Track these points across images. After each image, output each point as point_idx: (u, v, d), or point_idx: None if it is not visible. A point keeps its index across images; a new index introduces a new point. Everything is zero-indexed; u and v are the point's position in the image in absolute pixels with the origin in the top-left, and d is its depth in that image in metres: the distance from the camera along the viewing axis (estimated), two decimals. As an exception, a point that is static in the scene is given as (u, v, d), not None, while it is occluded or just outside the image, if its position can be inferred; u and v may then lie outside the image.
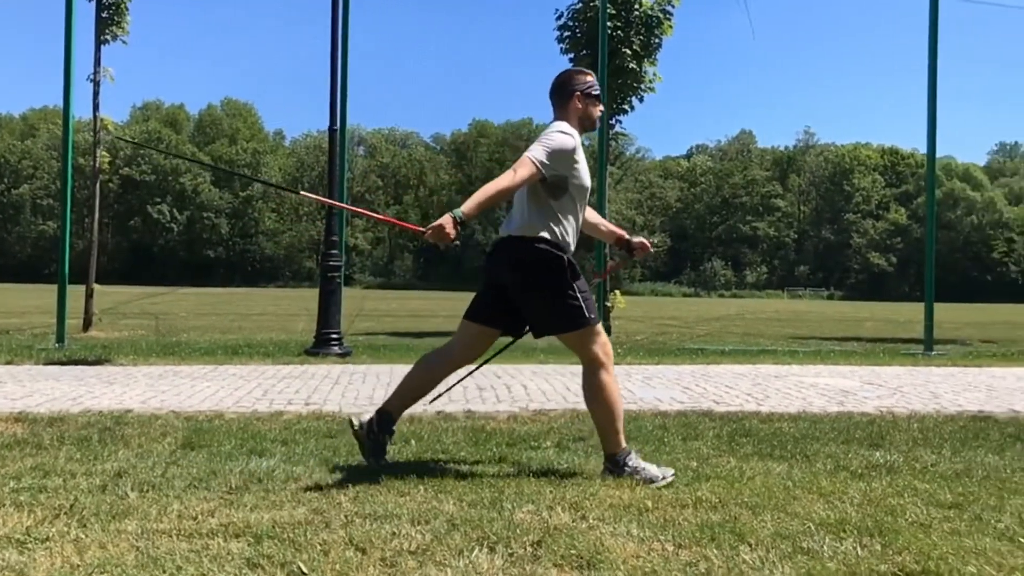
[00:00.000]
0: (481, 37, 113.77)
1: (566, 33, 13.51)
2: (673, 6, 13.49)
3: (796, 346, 11.38)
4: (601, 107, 3.71)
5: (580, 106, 3.62)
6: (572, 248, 3.56)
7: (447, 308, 25.03)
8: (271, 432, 4.32)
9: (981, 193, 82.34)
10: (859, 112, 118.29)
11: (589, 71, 3.73)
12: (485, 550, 2.47)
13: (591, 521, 2.77)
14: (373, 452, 3.60)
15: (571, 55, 13.52)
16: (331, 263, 8.81)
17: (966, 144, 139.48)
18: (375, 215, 5.51)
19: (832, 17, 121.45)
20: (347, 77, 9.71)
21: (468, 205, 3.30)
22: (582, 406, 5.26)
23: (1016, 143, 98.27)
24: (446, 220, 3.25)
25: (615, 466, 3.44)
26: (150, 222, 74.01)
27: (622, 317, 16.61)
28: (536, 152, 3.39)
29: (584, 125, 3.64)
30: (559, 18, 13.56)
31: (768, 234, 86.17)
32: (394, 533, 2.60)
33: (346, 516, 2.78)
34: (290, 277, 73.17)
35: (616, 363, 8.20)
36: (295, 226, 76.74)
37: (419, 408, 5.12)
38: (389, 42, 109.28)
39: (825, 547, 2.53)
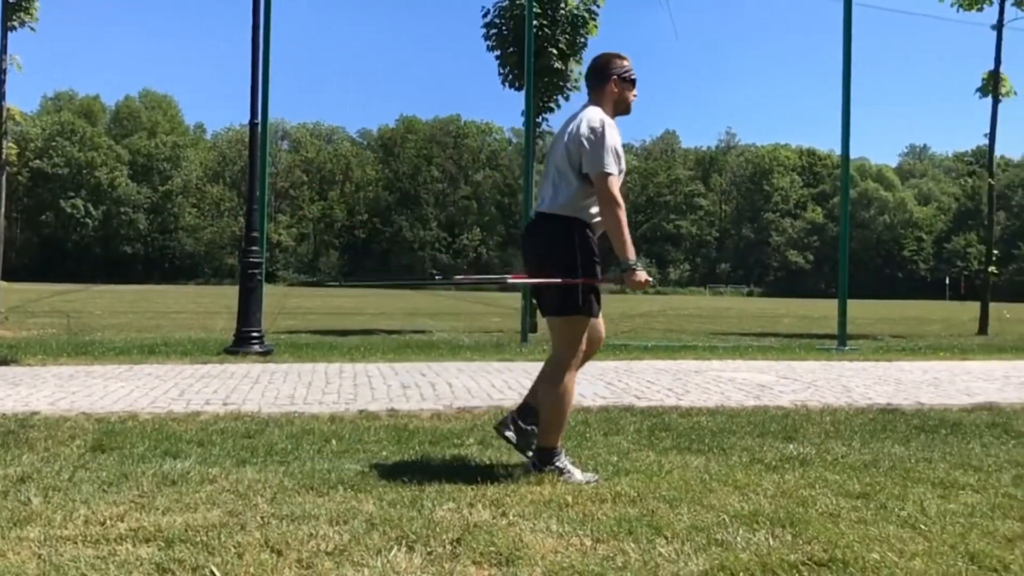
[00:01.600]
0: (409, 32, 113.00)
1: (492, 31, 13.56)
2: (598, 6, 13.66)
3: (716, 342, 11.63)
4: (636, 92, 3.70)
5: (616, 90, 3.63)
6: (600, 231, 3.55)
7: (373, 306, 24.80)
8: (187, 433, 4.21)
9: (893, 193, 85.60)
10: (778, 114, 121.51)
11: (626, 56, 3.70)
12: (404, 549, 2.45)
13: (511, 518, 2.77)
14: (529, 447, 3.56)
15: (497, 52, 13.56)
16: (251, 260, 8.63)
17: (879, 146, 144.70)
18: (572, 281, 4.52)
19: (752, 21, 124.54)
20: (269, 70, 9.52)
21: (628, 252, 3.41)
22: (506, 403, 5.30)
23: (925, 146, 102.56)
24: (638, 275, 3.42)
25: (543, 459, 3.43)
26: (63, 217, 71.26)
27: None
28: (606, 164, 3.38)
29: (618, 109, 3.64)
30: (486, 15, 13.61)
31: (691, 232, 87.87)
32: (311, 534, 2.56)
33: (262, 518, 2.73)
34: (211, 274, 71.39)
35: (541, 360, 8.23)
36: (216, 222, 74.96)
37: (341, 408, 5.08)
38: (315, 35, 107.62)
39: (739, 539, 2.59)
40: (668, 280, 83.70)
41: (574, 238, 3.44)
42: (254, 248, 8.70)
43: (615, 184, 3.41)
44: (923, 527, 2.74)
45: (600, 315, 3.62)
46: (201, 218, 75.65)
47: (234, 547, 2.42)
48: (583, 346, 3.54)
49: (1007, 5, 14.67)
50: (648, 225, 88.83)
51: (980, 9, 14.89)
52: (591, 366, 7.74)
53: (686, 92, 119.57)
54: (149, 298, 29.01)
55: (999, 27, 14.77)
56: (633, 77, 3.66)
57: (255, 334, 8.51)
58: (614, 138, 3.45)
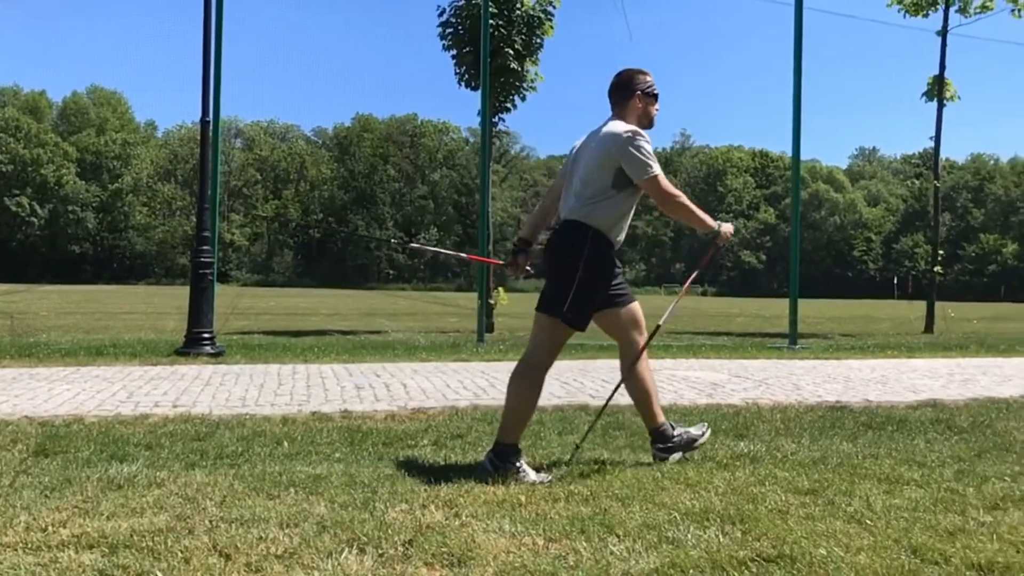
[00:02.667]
0: (365, 30, 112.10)
1: (448, 30, 13.52)
2: (554, 7, 13.69)
3: (670, 341, 11.72)
4: (658, 106, 3.80)
5: (640, 105, 3.73)
6: (621, 240, 3.66)
7: (328, 306, 24.59)
8: (134, 436, 4.12)
9: (843, 195, 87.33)
10: (732, 116, 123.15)
11: (647, 71, 3.80)
12: (355, 551, 2.43)
13: (464, 518, 2.77)
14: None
15: (453, 52, 13.52)
16: (202, 259, 8.49)
17: (830, 148, 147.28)
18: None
19: (705, 24, 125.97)
20: (220, 67, 9.37)
21: (708, 223, 3.67)
22: (461, 403, 5.29)
23: (874, 148, 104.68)
24: (725, 228, 3.75)
25: (500, 456, 3.43)
26: (7, 215, 69.38)
27: (505, 314, 16.72)
28: (651, 168, 3.52)
29: (642, 123, 3.71)
30: (441, 15, 13.56)
31: (647, 232, 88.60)
32: (261, 537, 2.52)
33: (211, 521, 2.68)
34: (162, 274, 70.10)
35: (497, 360, 8.24)
36: (168, 221, 73.65)
37: (293, 409, 5.02)
38: (269, 32, 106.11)
39: (689, 536, 2.61)
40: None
41: (585, 245, 3.51)
42: (205, 248, 8.56)
43: (664, 181, 3.55)
44: (869, 522, 2.80)
45: (634, 304, 3.72)
46: (152, 217, 74.25)
47: (181, 552, 2.38)
48: (556, 353, 3.65)
49: (951, 12, 15.05)
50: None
51: (926, 15, 15.25)
52: (547, 366, 7.77)
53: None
54: (98, 299, 28.40)
55: (943, 33, 15.15)
56: (656, 92, 3.77)
57: (206, 335, 8.38)
58: (648, 145, 3.56)
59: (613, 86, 3.78)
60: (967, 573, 2.31)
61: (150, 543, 2.44)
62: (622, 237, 3.65)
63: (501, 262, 3.99)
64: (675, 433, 3.76)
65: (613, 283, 3.62)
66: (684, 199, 3.57)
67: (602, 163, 3.55)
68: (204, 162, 8.82)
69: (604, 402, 3.99)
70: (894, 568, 2.34)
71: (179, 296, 21.38)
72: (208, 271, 8.52)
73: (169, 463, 3.54)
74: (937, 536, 2.65)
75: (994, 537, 2.64)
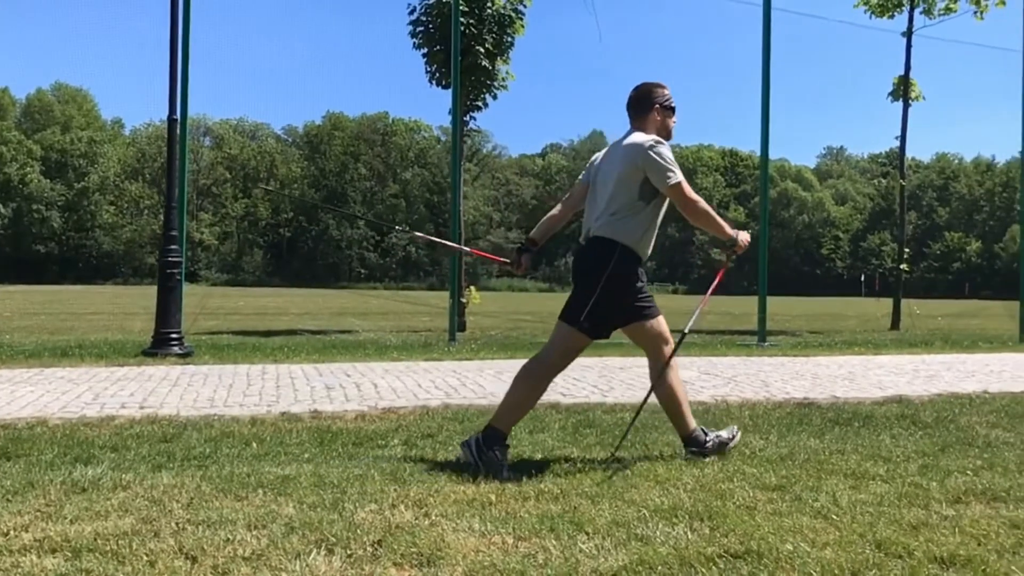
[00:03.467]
0: (336, 27, 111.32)
1: (419, 28, 13.47)
2: (525, 6, 13.70)
3: (642, 339, 11.79)
4: (675, 118, 3.92)
5: (659, 118, 3.85)
6: (648, 252, 3.77)
7: (298, 305, 24.43)
8: (100, 438, 4.07)
9: (811, 193, 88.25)
10: (702, 115, 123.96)
11: (664, 84, 3.91)
12: (323, 552, 2.42)
13: (434, 518, 2.76)
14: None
15: (424, 50, 13.48)
16: (170, 259, 8.40)
17: (798, 147, 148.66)
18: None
19: (675, 24, 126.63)
20: (188, 64, 9.27)
21: (726, 232, 3.82)
22: (432, 402, 5.28)
23: (842, 147, 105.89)
24: (741, 241, 3.87)
25: (487, 439, 3.51)
26: (-32, 215, 68.10)
27: (477, 312, 16.72)
28: (673, 175, 3.63)
29: (661, 135, 3.80)
30: (412, 13, 13.51)
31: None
32: (228, 539, 2.50)
33: (177, 524, 2.65)
34: (130, 274, 69.13)
35: (468, 359, 8.23)
36: (136, 220, 72.65)
37: (262, 410, 4.98)
38: (238, 28, 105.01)
39: (658, 533, 2.63)
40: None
41: (611, 262, 3.61)
42: (173, 247, 8.47)
43: (687, 188, 3.65)
44: (835, 517, 2.83)
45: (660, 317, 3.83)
46: (119, 216, 73.18)
47: (146, 555, 2.35)
48: (570, 359, 3.77)
49: (916, 13, 15.27)
50: (576, 224, 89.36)
51: (891, 16, 15.45)
52: (518, 365, 7.76)
53: (612, 93, 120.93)
54: (63, 299, 27.97)
55: (908, 34, 15.37)
56: (673, 104, 3.89)
57: (174, 335, 8.29)
58: (670, 155, 3.67)
59: (632, 100, 3.89)
60: (929, 566, 2.35)
61: (114, 546, 2.41)
62: (649, 250, 3.77)
63: (506, 260, 4.06)
64: (708, 438, 3.81)
65: (639, 296, 3.71)
66: (706, 206, 3.69)
67: (628, 174, 3.66)
68: (172, 161, 8.72)
69: (640, 403, 4.09)
70: (859, 562, 2.37)
71: (147, 296, 21.13)
72: (176, 271, 8.43)
73: (135, 465, 3.50)
74: (901, 530, 2.69)
75: (956, 530, 2.68)
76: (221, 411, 4.91)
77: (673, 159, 3.67)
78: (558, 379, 6.60)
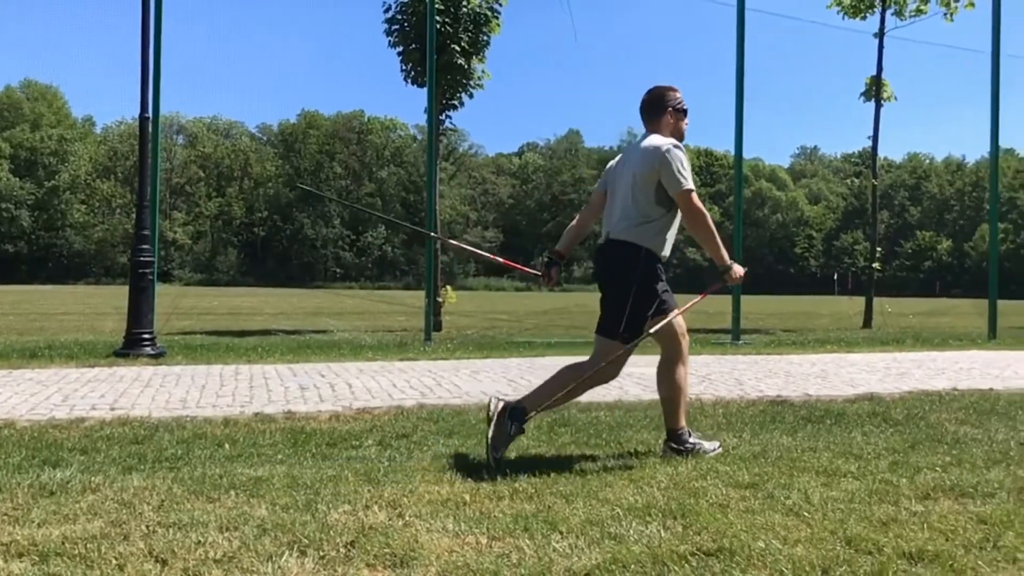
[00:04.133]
0: (311, 25, 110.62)
1: (394, 27, 13.42)
2: (501, 5, 13.69)
3: (618, 338, 11.83)
4: (687, 121, 3.99)
5: (672, 121, 3.92)
6: (668, 252, 3.83)
7: (272, 305, 24.26)
8: (69, 440, 4.01)
9: (785, 193, 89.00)
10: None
11: (677, 88, 3.99)
12: (295, 554, 2.40)
13: (408, 518, 2.75)
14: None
15: (399, 48, 13.44)
16: (142, 258, 8.30)
17: (772, 147, 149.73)
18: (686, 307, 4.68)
19: (650, 24, 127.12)
20: (160, 61, 9.18)
21: (723, 256, 3.76)
22: (407, 403, 5.26)
23: (815, 147, 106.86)
24: (735, 270, 3.80)
25: (514, 415, 3.63)
26: (-64, 213, 66.97)
27: (453, 312, 16.69)
28: (686, 181, 3.66)
29: (674, 137, 3.86)
30: (387, 11, 13.46)
31: (595, 230, 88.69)
32: (199, 541, 2.48)
33: (147, 527, 2.63)
34: (102, 274, 68.26)
35: (444, 359, 8.21)
36: (107, 219, 71.77)
37: (236, 411, 4.95)
38: (212, 26, 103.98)
39: (632, 531, 2.64)
40: (573, 277, 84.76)
41: (637, 267, 3.69)
42: (145, 247, 8.37)
43: (696, 198, 3.67)
44: (806, 514, 2.85)
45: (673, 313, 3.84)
46: (91, 215, 72.25)
47: (115, 559, 2.33)
48: (614, 369, 3.91)
49: (888, 15, 15.44)
50: (553, 224, 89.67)
51: (863, 18, 15.60)
52: (495, 364, 7.78)
53: (589, 92, 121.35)
54: (33, 299, 27.59)
55: (880, 35, 15.52)
56: (685, 107, 3.96)
57: (146, 336, 8.20)
58: (685, 158, 3.72)
59: (645, 103, 3.96)
60: (898, 562, 2.37)
61: (83, 550, 2.38)
62: (668, 250, 3.83)
63: (537, 272, 4.15)
64: (691, 440, 3.85)
65: (663, 293, 3.78)
66: (710, 222, 3.69)
67: (645, 177, 3.72)
68: (143, 159, 8.62)
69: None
70: (829, 559, 2.39)
71: (118, 296, 20.92)
72: (148, 270, 8.34)
73: (105, 468, 3.46)
74: (871, 526, 2.72)
75: (925, 526, 2.72)
76: (193, 412, 4.87)
77: (688, 165, 3.73)
78: (533, 378, 6.62)
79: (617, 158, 4.05)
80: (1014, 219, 78.74)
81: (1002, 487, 3.26)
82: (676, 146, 3.75)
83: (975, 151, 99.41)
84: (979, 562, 2.38)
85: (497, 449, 3.54)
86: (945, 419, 4.93)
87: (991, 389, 6.39)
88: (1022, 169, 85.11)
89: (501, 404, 3.65)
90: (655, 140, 3.78)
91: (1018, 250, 78.44)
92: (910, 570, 2.32)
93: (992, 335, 12.18)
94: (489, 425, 3.58)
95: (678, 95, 3.96)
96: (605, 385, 6.25)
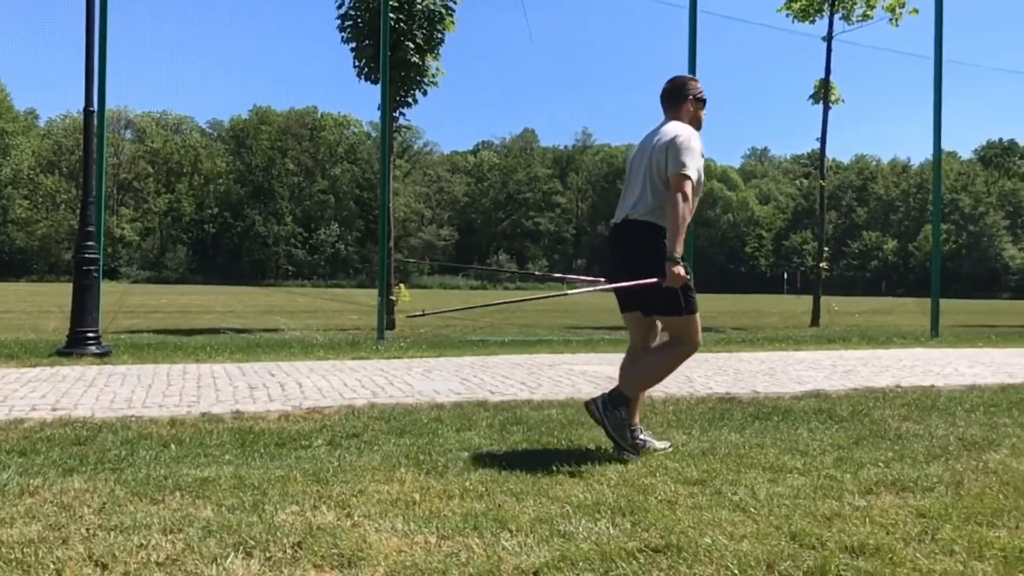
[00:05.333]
0: (263, 19, 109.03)
1: (347, 22, 13.30)
2: (455, 2, 13.65)
3: (571, 336, 11.90)
4: (705, 110, 4.09)
5: (692, 109, 4.02)
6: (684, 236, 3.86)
7: (222, 303, 23.90)
8: (7, 442, 3.90)
9: (736, 193, 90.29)
10: (631, 115, 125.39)
11: (697, 78, 4.12)
12: (241, 555, 2.36)
13: (356, 518, 2.73)
14: (617, 432, 3.83)
15: (353, 44, 13.32)
16: (87, 255, 8.11)
17: (723, 148, 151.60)
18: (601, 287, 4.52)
19: (603, 25, 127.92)
20: (106, 53, 8.98)
21: (676, 246, 3.63)
22: (358, 402, 5.22)
23: (766, 148, 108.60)
24: (677, 269, 3.63)
25: (612, 400, 3.82)
26: None
27: (407, 311, 16.60)
28: (686, 167, 3.69)
29: (693, 125, 3.95)
30: (340, 7, 13.34)
31: (549, 229, 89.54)
32: (142, 544, 2.43)
33: (88, 530, 2.56)
34: (46, 271, 66.51)
35: (397, 358, 8.16)
36: (52, 215, 69.94)
37: (182, 411, 4.86)
38: (161, 18, 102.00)
39: (581, 529, 2.65)
40: (527, 276, 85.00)
41: (658, 244, 3.73)
42: (89, 243, 8.18)
43: (688, 186, 3.69)
44: (753, 510, 2.90)
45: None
46: (34, 211, 70.32)
47: (53, 563, 2.27)
48: (699, 337, 3.99)
49: (836, 19, 15.74)
50: (508, 222, 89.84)
51: (812, 21, 15.89)
52: (448, 362, 7.75)
53: (544, 91, 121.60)
54: (-27, 297, 26.78)
55: (829, 39, 15.82)
56: (705, 97, 4.07)
57: (91, 334, 8.01)
58: (698, 146, 3.79)
59: (667, 91, 4.06)
60: (840, 556, 2.42)
61: (19, 555, 2.32)
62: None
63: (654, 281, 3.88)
64: (638, 435, 3.91)
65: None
66: (684, 211, 3.66)
67: (661, 162, 3.78)
68: (88, 154, 8.43)
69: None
70: (774, 554, 2.43)
71: (63, 294, 20.41)
72: (93, 267, 8.15)
73: (44, 470, 3.37)
74: (815, 521, 2.77)
75: (867, 520, 2.77)
76: (139, 412, 4.77)
77: (697, 154, 3.77)
78: (486, 376, 6.62)
79: (637, 144, 4.13)
80: (956, 220, 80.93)
81: (941, 481, 3.34)
82: (693, 133, 3.84)
83: (920, 153, 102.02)
84: (917, 555, 2.44)
85: (625, 437, 3.79)
86: (888, 416, 5.04)
87: (932, 386, 6.55)
88: (964, 172, 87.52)
89: (600, 401, 3.83)
90: (673, 125, 3.89)
91: (960, 250, 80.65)
92: (852, 563, 2.36)
93: (935, 333, 12.50)
94: (602, 425, 3.81)
95: (698, 85, 4.08)
96: (557, 383, 6.31)
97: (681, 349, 3.96)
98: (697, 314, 3.93)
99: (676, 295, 3.79)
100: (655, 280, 3.72)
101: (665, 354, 3.97)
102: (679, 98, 4.03)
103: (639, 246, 3.82)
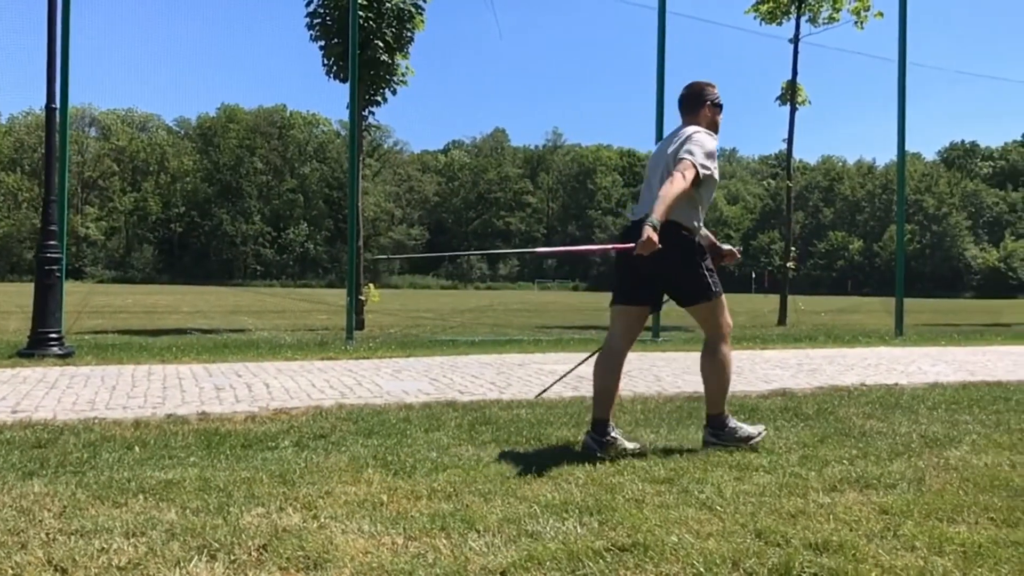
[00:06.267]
0: (231, 16, 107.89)
1: (316, 20, 13.21)
2: (425, 1, 13.61)
3: (541, 335, 11.91)
4: (722, 116, 4.20)
5: (709, 114, 4.12)
6: (700, 230, 4.03)
7: (189, 303, 23.65)
8: (-35, 445, 3.82)
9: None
10: (601, 116, 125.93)
11: (714, 84, 4.19)
12: (205, 558, 2.34)
13: (323, 520, 2.71)
14: (620, 452, 3.84)
15: (322, 43, 13.23)
16: (48, 255, 7.98)
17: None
18: (575, 249, 4.87)
19: (574, 26, 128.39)
20: (68, 49, 8.83)
21: (659, 212, 3.63)
22: (326, 403, 5.19)
23: (734, 149, 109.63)
24: (649, 231, 3.57)
25: (718, 428, 3.97)
26: None
27: (376, 310, 16.55)
28: (697, 157, 3.81)
29: (710, 130, 4.07)
30: (309, 4, 13.24)
31: (520, 229, 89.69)
32: (103, 548, 2.39)
33: (48, 534, 2.52)
34: (7, 270, 65.31)
35: (366, 358, 8.12)
36: (13, 214, 68.73)
37: (147, 412, 4.80)
38: (126, 14, 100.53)
39: (548, 528, 2.65)
40: (498, 275, 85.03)
41: (679, 241, 3.85)
42: (52, 243, 8.05)
43: (690, 171, 3.77)
44: (719, 508, 2.92)
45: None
46: (-6, 210, 69.12)
47: (11, 568, 2.22)
48: (729, 320, 4.05)
49: (802, 21, 15.93)
50: (479, 222, 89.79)
51: (779, 23, 16.06)
52: (417, 362, 7.73)
53: (515, 91, 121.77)
54: (-68, 297, 26.23)
55: (795, 41, 16.01)
56: (721, 102, 4.18)
57: (53, 335, 7.88)
58: (712, 146, 3.94)
59: (684, 97, 4.16)
60: (805, 553, 2.44)
61: (-24, 561, 2.27)
62: (700, 217, 3.99)
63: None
64: (731, 424, 4.02)
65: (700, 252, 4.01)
66: (678, 189, 3.70)
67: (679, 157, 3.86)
68: (50, 151, 8.28)
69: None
70: (739, 551, 2.45)
71: (24, 294, 20.05)
72: (55, 267, 8.02)
73: (3, 473, 3.30)
74: (780, 519, 2.80)
75: (831, 517, 2.80)
76: (102, 414, 4.70)
77: (711, 152, 3.89)
78: (455, 376, 6.61)
79: (655, 148, 4.26)
80: (920, 221, 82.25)
81: (903, 478, 3.39)
82: (708, 133, 3.97)
83: (885, 154, 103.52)
84: (880, 551, 2.47)
85: (742, 438, 3.95)
86: (853, 414, 5.10)
87: (896, 384, 6.65)
88: (928, 173, 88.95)
89: (710, 437, 3.99)
90: (691, 129, 3.99)
91: (924, 250, 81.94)
92: (816, 560, 2.39)
93: (899, 332, 12.69)
94: (727, 447, 3.91)
95: (715, 90, 4.17)
96: (527, 383, 6.32)
97: (720, 336, 4.02)
98: (723, 295, 4.05)
99: (704, 279, 3.92)
100: (631, 245, 3.75)
101: (714, 355, 4.01)
102: (697, 103, 4.13)
103: (666, 249, 3.76)
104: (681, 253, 3.88)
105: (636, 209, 4.08)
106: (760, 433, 4.03)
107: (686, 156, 3.81)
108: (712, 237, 4.29)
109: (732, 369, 4.07)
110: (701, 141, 3.89)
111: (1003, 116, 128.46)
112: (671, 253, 3.81)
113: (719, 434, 3.97)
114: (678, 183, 3.72)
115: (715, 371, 4.00)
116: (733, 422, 4.02)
